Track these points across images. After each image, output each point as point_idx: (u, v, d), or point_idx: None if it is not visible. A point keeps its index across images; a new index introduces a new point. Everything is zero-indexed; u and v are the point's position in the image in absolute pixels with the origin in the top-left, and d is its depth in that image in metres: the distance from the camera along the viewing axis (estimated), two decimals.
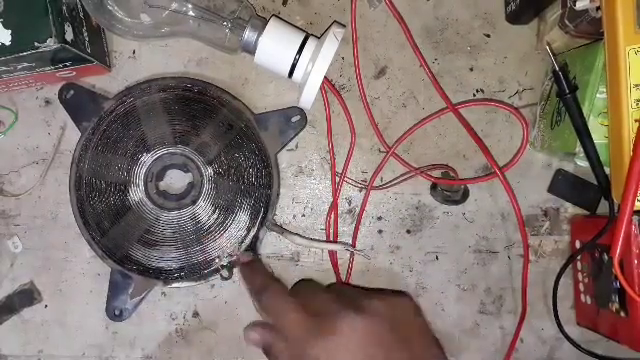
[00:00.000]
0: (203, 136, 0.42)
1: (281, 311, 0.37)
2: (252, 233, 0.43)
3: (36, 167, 0.44)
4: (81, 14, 0.39)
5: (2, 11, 0.35)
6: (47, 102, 0.44)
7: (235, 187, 0.43)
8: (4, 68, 0.38)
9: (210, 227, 0.42)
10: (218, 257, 0.43)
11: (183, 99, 0.43)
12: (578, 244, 0.44)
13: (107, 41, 0.44)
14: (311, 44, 0.40)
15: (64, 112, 0.44)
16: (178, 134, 0.42)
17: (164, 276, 0.43)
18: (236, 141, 0.43)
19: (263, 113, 0.44)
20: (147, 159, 0.42)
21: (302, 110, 0.43)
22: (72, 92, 0.43)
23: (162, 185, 0.44)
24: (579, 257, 0.43)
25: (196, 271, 0.43)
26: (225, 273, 0.43)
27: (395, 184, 0.45)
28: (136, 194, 0.42)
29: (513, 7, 0.43)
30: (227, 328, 0.45)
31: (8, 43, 0.35)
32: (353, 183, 0.45)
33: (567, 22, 0.38)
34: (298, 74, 0.40)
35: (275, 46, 0.40)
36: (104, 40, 0.43)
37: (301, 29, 0.42)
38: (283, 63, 0.40)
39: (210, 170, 0.42)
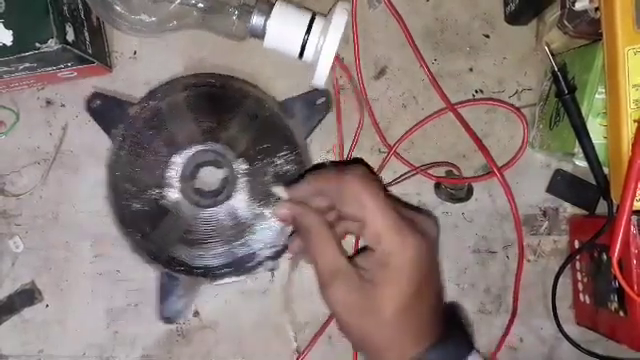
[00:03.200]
0: (231, 130, 0.42)
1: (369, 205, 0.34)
2: None
3: (37, 167, 0.44)
4: (82, 14, 0.39)
5: (3, 12, 0.35)
6: (48, 102, 0.44)
7: (269, 177, 0.43)
8: (5, 68, 0.38)
9: (249, 220, 0.42)
10: (261, 249, 0.43)
11: (206, 95, 0.43)
12: (577, 244, 0.44)
13: (108, 41, 0.44)
14: (319, 22, 0.40)
15: (65, 112, 0.44)
16: (206, 131, 0.42)
17: (210, 273, 0.43)
18: (264, 131, 0.43)
19: (287, 99, 0.44)
20: (179, 159, 0.42)
21: (326, 92, 0.43)
22: (99, 102, 0.43)
23: (197, 183, 0.44)
24: (578, 257, 0.43)
25: (241, 265, 0.43)
26: (270, 264, 0.43)
27: (398, 182, 0.45)
28: (172, 195, 0.42)
29: (512, 8, 0.43)
30: (227, 327, 0.45)
31: (9, 44, 0.35)
32: None
33: (566, 23, 0.38)
34: (309, 53, 0.40)
35: (284, 28, 0.40)
36: (105, 40, 0.43)
37: (307, 8, 0.41)
38: (293, 44, 0.40)
39: (242, 163, 0.42)
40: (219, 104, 0.43)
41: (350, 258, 0.35)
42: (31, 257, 0.45)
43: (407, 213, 0.36)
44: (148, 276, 0.44)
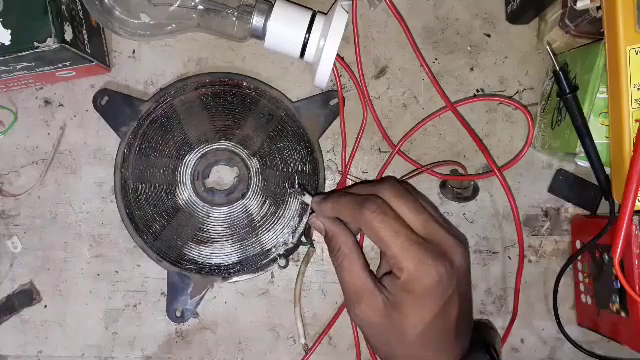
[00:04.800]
0: (245, 129, 0.43)
1: (393, 235, 0.34)
2: (305, 220, 0.43)
3: (35, 167, 0.44)
4: (80, 14, 0.39)
5: (1, 11, 0.35)
6: (46, 102, 0.44)
7: (282, 176, 0.43)
8: (3, 68, 0.38)
9: (262, 218, 0.43)
10: (274, 247, 0.43)
11: (221, 94, 0.43)
12: (579, 244, 0.43)
13: (107, 41, 0.43)
14: (319, 21, 0.40)
15: (63, 112, 0.44)
16: (220, 129, 0.43)
17: (222, 272, 0.43)
18: (278, 130, 0.43)
19: (301, 100, 0.44)
20: (192, 157, 0.43)
21: (337, 93, 0.43)
22: (106, 98, 0.43)
23: (210, 182, 0.44)
24: (579, 257, 0.43)
25: (253, 263, 0.43)
26: (282, 262, 0.43)
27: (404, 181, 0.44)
28: (184, 193, 0.43)
29: (514, 7, 0.42)
30: (226, 328, 0.45)
31: (7, 43, 0.35)
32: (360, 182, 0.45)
33: (567, 22, 0.38)
34: (310, 53, 0.40)
35: (284, 28, 0.40)
36: (104, 40, 0.43)
37: (307, 7, 0.41)
38: (294, 44, 0.40)
39: (255, 162, 0.43)
40: (234, 103, 0.43)
41: (377, 278, 0.37)
42: (29, 257, 0.44)
43: (435, 235, 0.36)
44: (147, 277, 0.44)
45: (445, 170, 0.44)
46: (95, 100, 0.43)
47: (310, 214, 0.40)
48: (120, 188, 0.43)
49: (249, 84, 0.43)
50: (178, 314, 0.43)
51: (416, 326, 0.35)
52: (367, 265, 0.37)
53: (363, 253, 0.37)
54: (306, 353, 0.44)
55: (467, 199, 0.44)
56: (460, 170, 0.44)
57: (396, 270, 0.35)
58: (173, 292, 0.43)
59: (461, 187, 0.44)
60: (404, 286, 0.34)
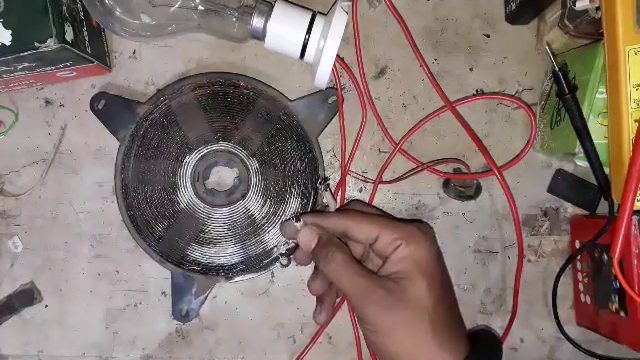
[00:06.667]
0: (243, 129, 0.43)
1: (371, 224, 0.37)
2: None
3: (36, 167, 0.44)
4: (81, 14, 0.39)
5: (2, 11, 0.35)
6: (47, 102, 0.44)
7: (282, 175, 0.43)
8: (4, 68, 0.38)
9: (263, 218, 0.43)
10: (276, 246, 0.43)
11: (218, 94, 0.43)
12: (578, 244, 0.44)
13: (107, 41, 0.44)
14: (319, 22, 0.40)
15: (64, 112, 0.44)
16: (218, 130, 0.43)
17: (225, 272, 0.43)
18: (276, 130, 0.43)
19: (299, 98, 0.44)
20: (191, 159, 0.43)
21: (336, 90, 0.43)
22: (103, 102, 0.43)
23: (210, 183, 0.44)
24: (579, 257, 0.43)
25: (256, 262, 0.43)
26: (284, 261, 0.43)
27: (404, 179, 0.44)
28: (185, 195, 0.43)
29: (513, 7, 0.43)
30: (227, 328, 0.45)
31: (8, 43, 0.35)
32: (362, 179, 0.45)
33: (567, 22, 0.38)
34: (310, 54, 0.40)
35: (284, 28, 0.40)
36: (104, 40, 0.43)
37: (307, 8, 0.41)
38: (294, 45, 0.40)
39: (255, 162, 0.43)
40: (231, 103, 0.43)
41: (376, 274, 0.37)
42: (30, 257, 0.44)
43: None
44: (147, 276, 0.45)
45: (447, 168, 0.44)
46: (92, 104, 0.43)
47: (286, 222, 0.40)
48: (121, 191, 0.43)
49: (246, 84, 0.43)
50: (183, 314, 0.43)
51: (427, 294, 0.35)
52: (364, 267, 0.37)
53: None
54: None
55: (470, 198, 0.44)
56: (463, 168, 0.44)
57: (390, 248, 0.36)
58: (178, 292, 0.43)
59: (464, 186, 0.44)
60: (401, 256, 0.36)
